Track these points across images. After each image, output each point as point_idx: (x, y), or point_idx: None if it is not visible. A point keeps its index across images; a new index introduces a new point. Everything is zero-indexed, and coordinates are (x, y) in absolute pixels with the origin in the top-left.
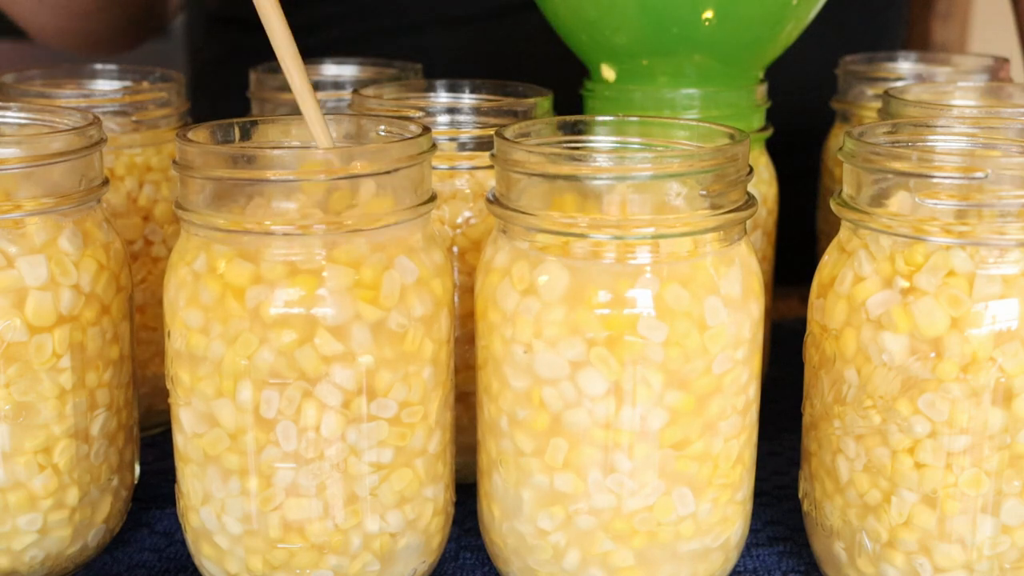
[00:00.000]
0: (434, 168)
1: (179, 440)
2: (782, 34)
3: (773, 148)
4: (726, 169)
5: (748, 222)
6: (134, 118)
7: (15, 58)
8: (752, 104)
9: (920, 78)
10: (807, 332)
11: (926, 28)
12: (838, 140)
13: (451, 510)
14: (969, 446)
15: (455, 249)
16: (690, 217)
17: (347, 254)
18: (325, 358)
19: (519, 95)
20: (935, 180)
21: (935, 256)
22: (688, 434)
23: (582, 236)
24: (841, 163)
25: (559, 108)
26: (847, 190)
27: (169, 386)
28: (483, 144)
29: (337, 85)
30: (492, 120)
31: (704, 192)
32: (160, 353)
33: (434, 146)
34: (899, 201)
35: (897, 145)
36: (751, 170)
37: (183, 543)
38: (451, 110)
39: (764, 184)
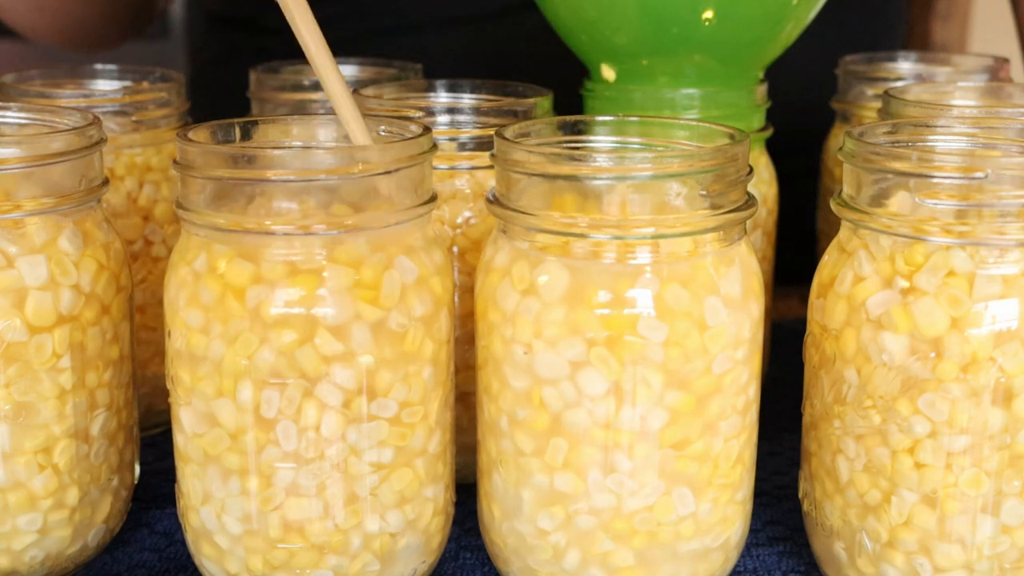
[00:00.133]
0: (434, 168)
1: (179, 440)
2: (782, 34)
3: (773, 148)
4: (726, 169)
5: (748, 222)
6: (134, 118)
7: (15, 58)
8: (752, 104)
9: (920, 78)
10: (807, 332)
11: (926, 28)
12: (838, 140)
13: (451, 510)
14: (969, 446)
15: (455, 249)
16: (690, 217)
17: (347, 254)
18: (325, 358)
19: (519, 95)
20: (935, 180)
21: (935, 256)
22: (688, 434)
23: (582, 236)
24: (841, 163)
25: (559, 108)
26: (847, 190)
27: (169, 386)
28: (483, 144)
29: None
30: (492, 120)
31: (704, 192)
32: (160, 353)
33: (435, 146)
34: (899, 201)
35: (897, 145)
36: (751, 170)
37: (183, 543)
38: (451, 110)
39: (764, 184)
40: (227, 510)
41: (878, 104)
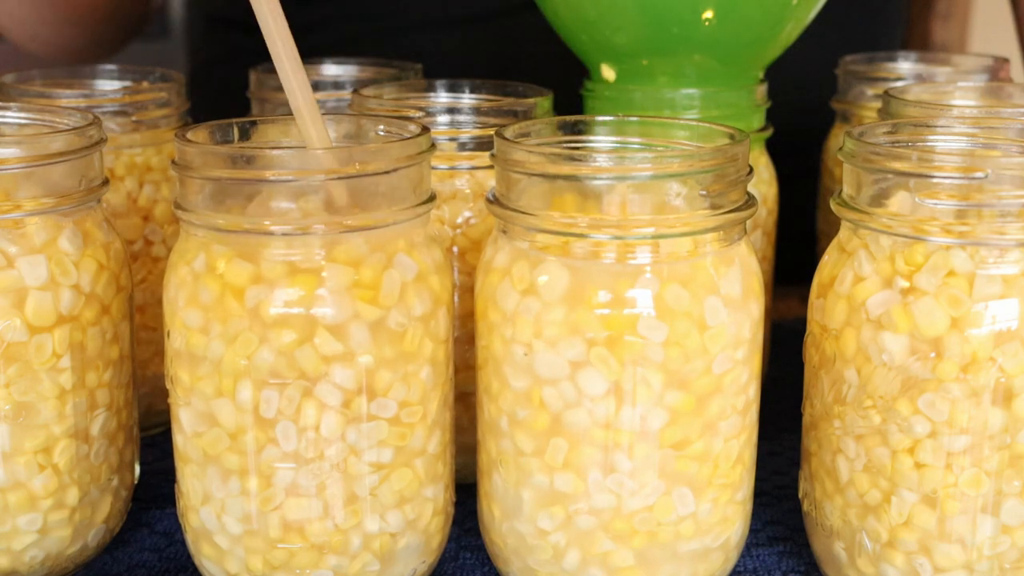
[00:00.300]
0: (434, 168)
1: (179, 440)
2: (782, 34)
3: (773, 148)
4: (726, 169)
5: (748, 222)
6: (134, 118)
7: (15, 58)
8: (752, 104)
9: (920, 78)
10: (807, 332)
11: (926, 28)
12: (838, 140)
13: (451, 510)
14: (969, 446)
15: (455, 249)
16: (690, 217)
17: (346, 254)
18: (325, 358)
19: (519, 95)
20: (935, 180)
21: (935, 256)
22: (688, 434)
23: (582, 236)
24: (841, 163)
25: (559, 108)
26: (847, 190)
27: (169, 386)
28: (483, 144)
29: (337, 85)
30: (492, 120)
31: (704, 192)
32: (160, 353)
33: (433, 146)
34: (899, 201)
35: (897, 145)
36: (751, 170)
37: (183, 543)
38: (451, 110)
39: (764, 184)
40: (227, 510)
41: (878, 104)
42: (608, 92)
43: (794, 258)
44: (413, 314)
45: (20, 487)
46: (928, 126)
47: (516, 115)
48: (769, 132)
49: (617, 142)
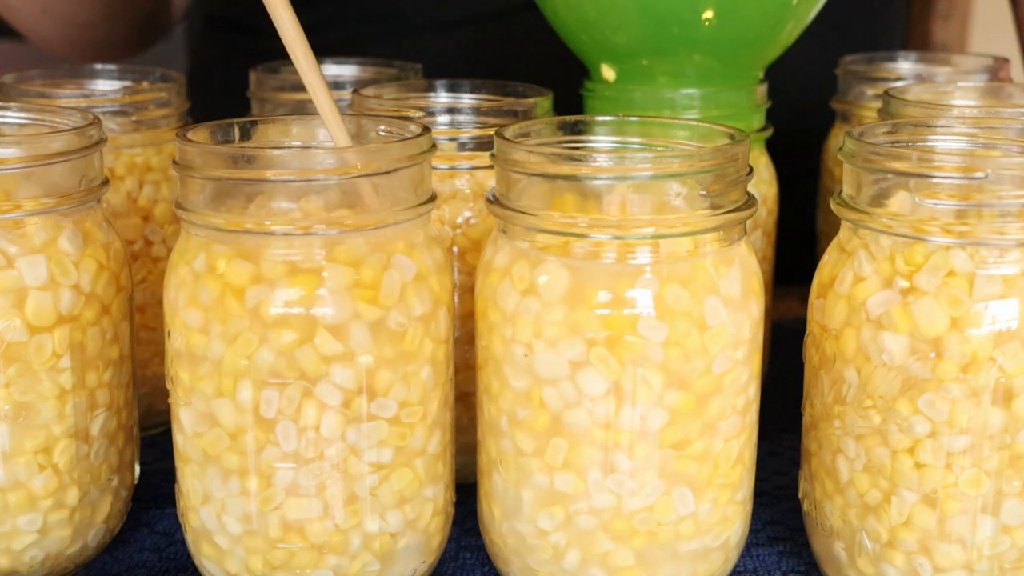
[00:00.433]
0: (434, 168)
1: (179, 440)
2: (782, 34)
3: (773, 148)
4: (726, 169)
5: (748, 222)
6: (134, 118)
7: (15, 58)
8: (752, 104)
9: (920, 78)
10: (807, 332)
11: (926, 28)
12: (838, 140)
13: (451, 510)
14: (969, 446)
15: (455, 249)
16: (690, 217)
17: (347, 254)
18: (325, 358)
19: (519, 95)
20: (935, 180)
21: (935, 256)
22: (688, 434)
23: (582, 236)
24: (841, 163)
25: (559, 108)
26: (847, 190)
27: (169, 386)
28: (483, 144)
29: (337, 85)
30: (492, 120)
31: (704, 192)
32: (160, 353)
33: (434, 146)
34: (899, 201)
35: (897, 145)
36: (751, 170)
37: (183, 543)
38: (451, 110)
39: (764, 184)
40: (227, 510)
41: (878, 104)
42: (608, 92)
43: (794, 258)
44: (413, 314)
45: (20, 487)
46: (928, 126)
47: (516, 115)
48: (769, 132)
49: (617, 142)
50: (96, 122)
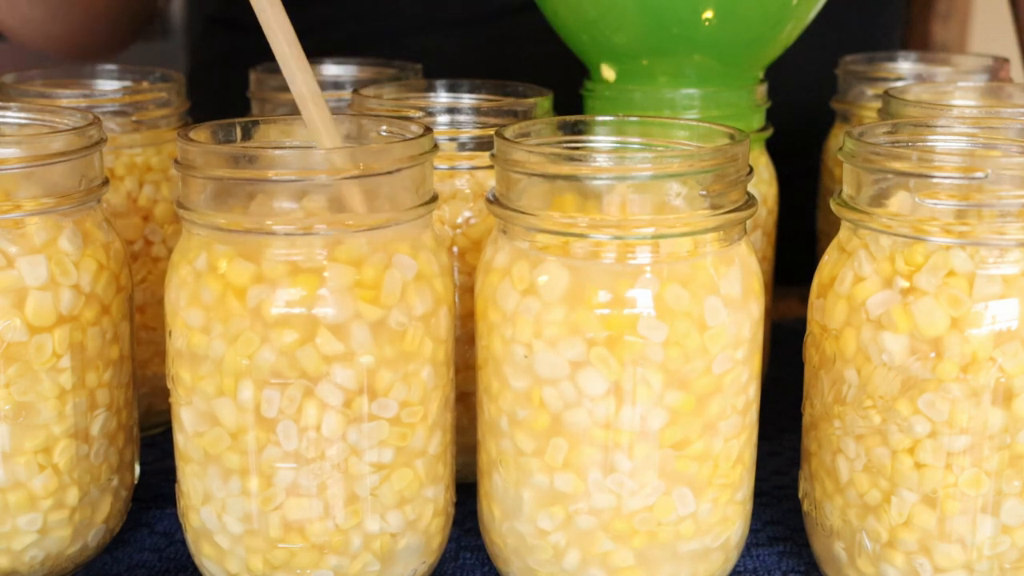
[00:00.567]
0: (434, 168)
1: (180, 440)
2: (782, 34)
3: (773, 148)
4: (726, 169)
5: (748, 222)
6: (134, 118)
7: (15, 58)
8: (752, 104)
9: (920, 78)
10: (807, 332)
11: (926, 28)
12: (838, 140)
13: (451, 511)
14: (969, 446)
15: (455, 249)
16: (690, 217)
17: (348, 254)
18: (326, 358)
19: (519, 95)
20: (935, 180)
21: (935, 256)
22: (688, 434)
23: (582, 236)
24: (841, 163)
25: (559, 108)
26: (847, 190)
27: (170, 385)
28: (483, 144)
29: (337, 85)
30: (492, 120)
31: (704, 192)
32: (160, 353)
33: (436, 146)
34: (899, 201)
35: (897, 145)
36: (751, 170)
37: (183, 543)
38: (451, 110)
39: (764, 184)
40: (227, 510)
41: (878, 104)
42: (608, 92)
43: (794, 258)
44: (414, 314)
45: (20, 487)
46: (928, 126)
47: (516, 115)
48: (769, 132)
49: (617, 142)
50: (96, 122)
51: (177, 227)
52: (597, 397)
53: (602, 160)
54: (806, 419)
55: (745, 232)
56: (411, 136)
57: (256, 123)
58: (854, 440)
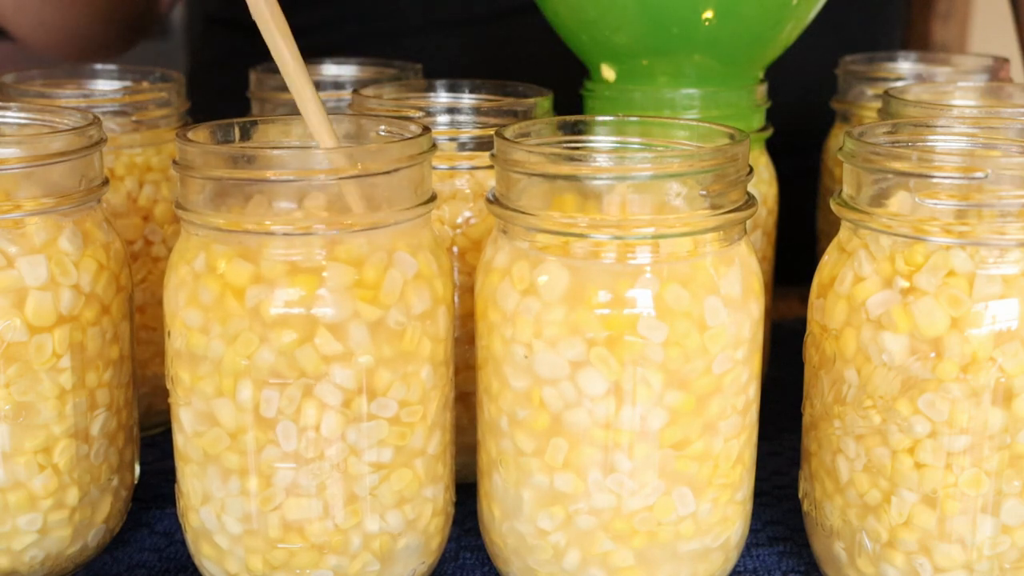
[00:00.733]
0: (434, 168)
1: (179, 440)
2: (782, 34)
3: (773, 148)
4: (726, 169)
5: (748, 222)
6: (134, 118)
7: (15, 58)
8: (752, 104)
9: (920, 78)
10: (807, 332)
11: (926, 28)
12: (838, 140)
13: (451, 510)
14: (969, 446)
15: (455, 249)
16: (690, 217)
17: (347, 254)
18: (325, 358)
19: (519, 95)
20: (935, 180)
21: (935, 256)
22: (688, 434)
23: (582, 236)
24: (841, 163)
25: (559, 108)
26: (847, 190)
27: (169, 386)
28: (483, 144)
29: (337, 85)
30: (492, 120)
31: (704, 192)
32: (160, 353)
33: (434, 146)
34: (899, 201)
35: (897, 145)
36: (751, 170)
37: (183, 543)
38: (451, 110)
39: (764, 184)
40: (227, 510)
41: (878, 104)
42: (608, 92)
43: (794, 258)
44: (413, 313)
45: (20, 487)
46: (928, 126)
47: (516, 115)
48: (769, 132)
49: (617, 142)
50: (96, 122)
51: (177, 227)
52: (597, 397)
53: (602, 160)
54: (806, 419)
55: (745, 232)
56: (410, 136)
57: (255, 123)
58: (854, 440)
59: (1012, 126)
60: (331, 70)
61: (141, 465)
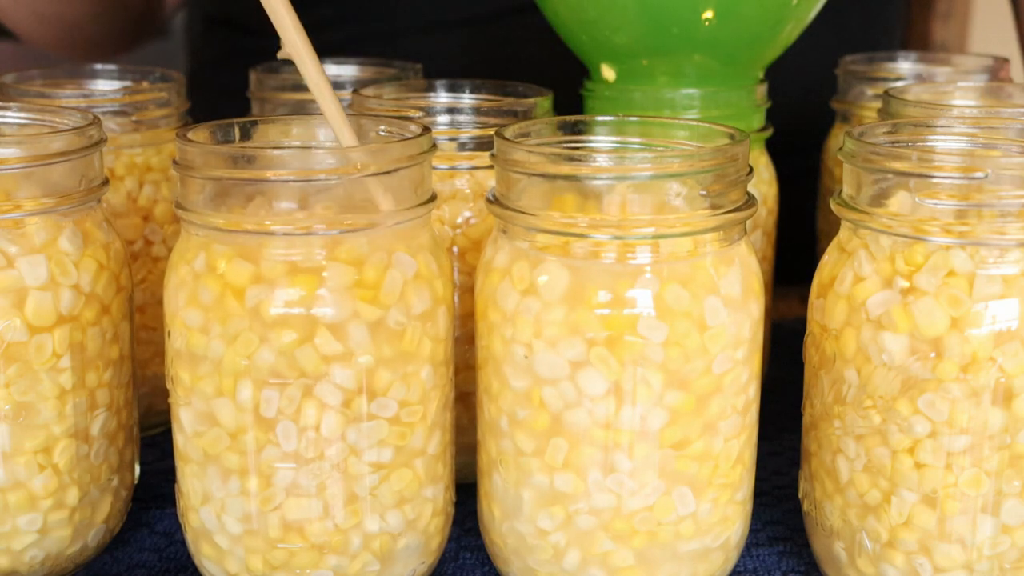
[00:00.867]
0: (434, 168)
1: (179, 440)
2: (782, 34)
3: (773, 148)
4: (726, 169)
5: (748, 222)
6: (134, 118)
7: (15, 58)
8: (752, 104)
9: (920, 78)
10: (807, 332)
11: (926, 28)
12: (838, 140)
13: (451, 510)
14: (969, 446)
15: (455, 249)
16: (690, 217)
17: (347, 254)
18: (325, 358)
19: (519, 95)
20: (935, 180)
21: (935, 256)
22: (688, 434)
23: (582, 236)
24: (841, 163)
25: (559, 108)
26: (847, 190)
27: (169, 386)
28: (483, 144)
29: (337, 85)
30: (492, 120)
31: (704, 192)
32: (160, 353)
33: (434, 146)
34: (899, 201)
35: (897, 145)
36: (751, 170)
37: (183, 543)
38: (451, 110)
39: (764, 184)
40: (227, 510)
41: (878, 104)
42: (608, 92)
43: (794, 258)
44: (412, 313)
45: (20, 487)
46: (928, 126)
47: (516, 115)
48: (769, 132)
49: (617, 142)
50: (96, 122)
51: (177, 227)
52: (597, 397)
53: (602, 160)
54: (806, 419)
55: (745, 232)
56: (410, 136)
57: (255, 123)
58: (854, 440)
59: (1012, 126)
60: (331, 70)
61: (141, 465)
